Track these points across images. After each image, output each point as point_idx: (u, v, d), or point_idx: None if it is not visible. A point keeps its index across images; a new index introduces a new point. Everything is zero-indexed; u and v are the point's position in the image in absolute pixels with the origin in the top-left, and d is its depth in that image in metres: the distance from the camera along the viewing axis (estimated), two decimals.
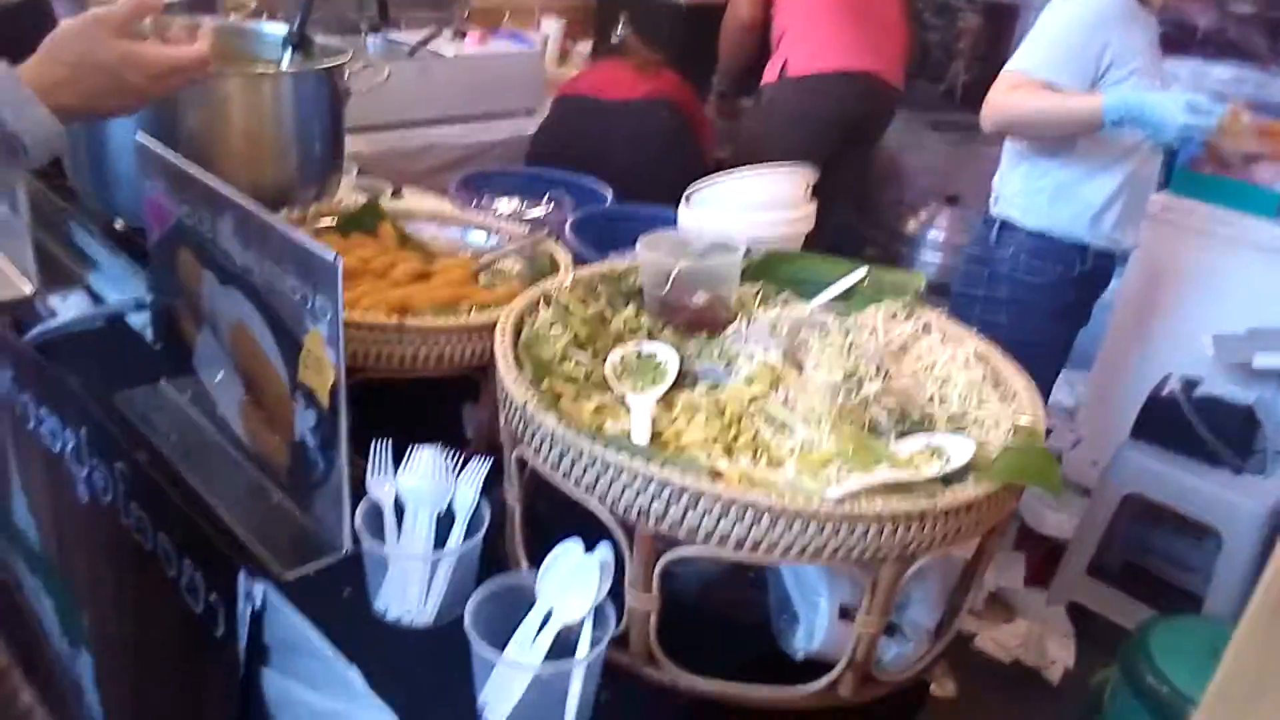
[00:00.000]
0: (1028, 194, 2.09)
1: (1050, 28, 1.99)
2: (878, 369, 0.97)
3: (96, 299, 1.49)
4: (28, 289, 1.51)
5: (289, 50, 1.51)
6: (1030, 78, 1.96)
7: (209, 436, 1.19)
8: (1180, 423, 2.02)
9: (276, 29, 1.58)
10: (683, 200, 1.38)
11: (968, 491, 0.80)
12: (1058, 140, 2.03)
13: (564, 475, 0.84)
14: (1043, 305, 2.10)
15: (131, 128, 1.22)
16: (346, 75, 1.52)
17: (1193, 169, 2.59)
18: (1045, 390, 2.10)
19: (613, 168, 2.05)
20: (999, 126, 2.04)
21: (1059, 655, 1.09)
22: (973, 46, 3.87)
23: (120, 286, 1.45)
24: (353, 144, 1.69)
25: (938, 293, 2.18)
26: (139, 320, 1.40)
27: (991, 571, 1.10)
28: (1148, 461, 2.02)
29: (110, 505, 1.20)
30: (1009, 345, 1.05)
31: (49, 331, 1.37)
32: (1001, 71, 2.02)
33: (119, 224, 1.43)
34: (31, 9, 0.99)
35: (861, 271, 1.15)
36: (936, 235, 3.40)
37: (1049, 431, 0.92)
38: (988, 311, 2.10)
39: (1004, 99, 1.99)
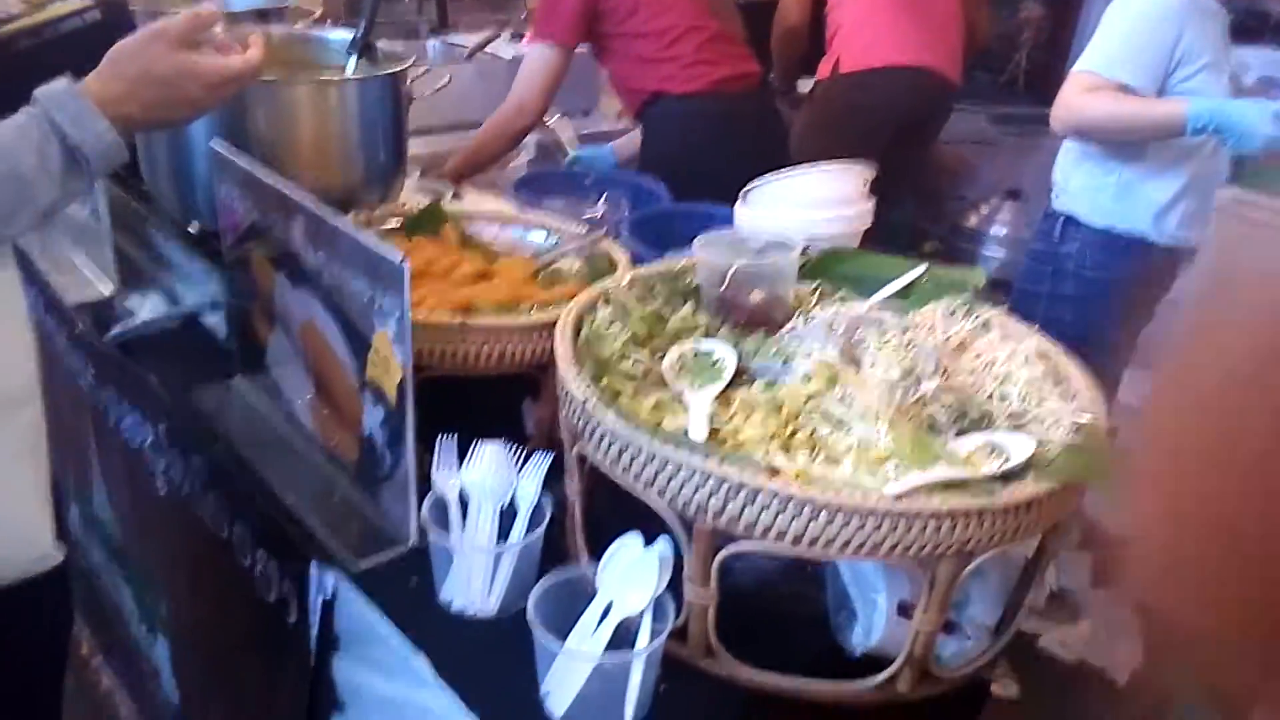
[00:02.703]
0: (1092, 191, 2.05)
1: (1120, 24, 1.95)
2: (936, 366, 0.97)
3: (173, 299, 1.54)
4: (108, 290, 1.58)
5: (354, 56, 1.55)
6: (1103, 78, 1.91)
7: (280, 431, 1.23)
8: None
9: (341, 36, 1.62)
10: (739, 198, 1.39)
11: (1026, 489, 0.80)
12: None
13: (623, 471, 0.85)
14: (1108, 302, 2.07)
15: (207, 134, 1.26)
16: (409, 80, 1.55)
17: (1260, 162, 2.52)
18: (1111, 388, 2.06)
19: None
20: (1073, 130, 2.01)
21: (1126, 657, 1.08)
22: (1035, 37, 3.81)
23: (196, 287, 1.50)
24: (413, 146, 1.73)
25: (1000, 289, 2.16)
26: (213, 320, 1.45)
27: (1056, 571, 1.09)
28: None
29: (187, 497, 1.24)
30: (1073, 342, 1.04)
31: (128, 331, 1.43)
32: (1071, 72, 1.98)
33: (195, 227, 1.48)
34: (110, 27, 1.03)
35: (920, 269, 1.15)
36: (998, 230, 3.35)
37: (1114, 431, 0.91)
38: (1052, 308, 2.07)
39: (1079, 102, 1.94)
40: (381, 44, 1.60)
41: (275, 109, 1.41)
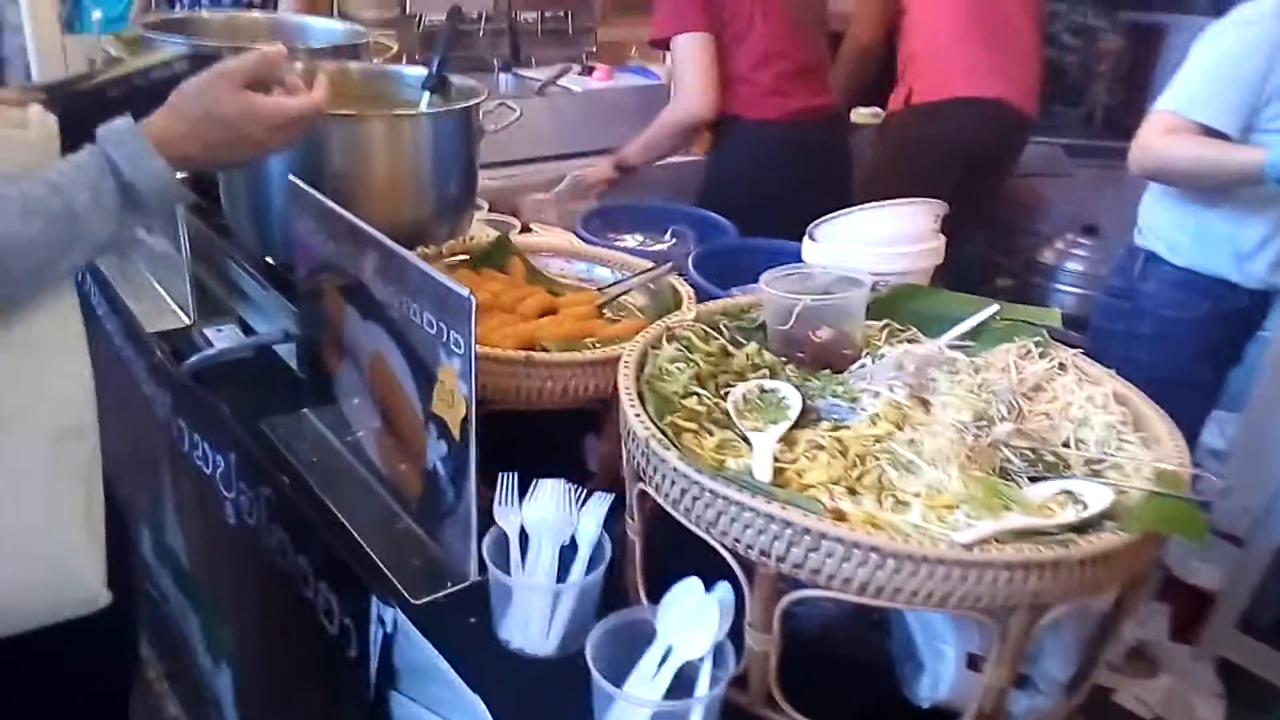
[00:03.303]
0: (1172, 230, 1.98)
1: (1204, 62, 1.86)
2: (1009, 409, 0.95)
3: (248, 330, 1.58)
4: (186, 320, 1.62)
5: (427, 92, 1.58)
6: (1185, 119, 1.83)
7: (347, 463, 1.24)
8: None
9: (416, 71, 1.65)
10: (806, 234, 1.37)
11: (1104, 540, 0.77)
12: None
13: (685, 511, 0.84)
14: (1188, 343, 1.99)
15: (284, 168, 1.29)
16: (480, 114, 1.57)
17: None
18: (1191, 433, 1.98)
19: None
20: (1150, 172, 1.93)
21: (1205, 715, 1.03)
22: (1114, 69, 3.73)
23: (270, 319, 1.53)
24: (484, 180, 1.75)
25: (1075, 327, 2.10)
26: (286, 351, 1.48)
27: (1133, 623, 1.05)
28: None
29: (255, 527, 1.26)
30: (1150, 384, 1.00)
31: (203, 360, 1.46)
32: (1151, 110, 1.90)
33: (270, 260, 1.51)
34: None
35: (992, 308, 1.12)
36: (1074, 267, 3.27)
37: (1196, 478, 0.88)
38: (1128, 347, 2.00)
39: (1157, 144, 1.87)
40: (455, 79, 1.63)
41: (349, 143, 1.44)
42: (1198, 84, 1.85)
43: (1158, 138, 1.86)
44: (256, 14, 2.53)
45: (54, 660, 1.04)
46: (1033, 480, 0.88)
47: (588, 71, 3.16)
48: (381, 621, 1.01)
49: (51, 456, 0.94)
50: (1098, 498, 0.83)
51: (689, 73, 2.27)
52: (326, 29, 2.13)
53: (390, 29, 2.92)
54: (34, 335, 0.93)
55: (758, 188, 2.30)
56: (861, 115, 3.17)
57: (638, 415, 0.90)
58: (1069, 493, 0.85)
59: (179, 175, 1.00)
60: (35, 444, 0.93)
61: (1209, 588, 1.77)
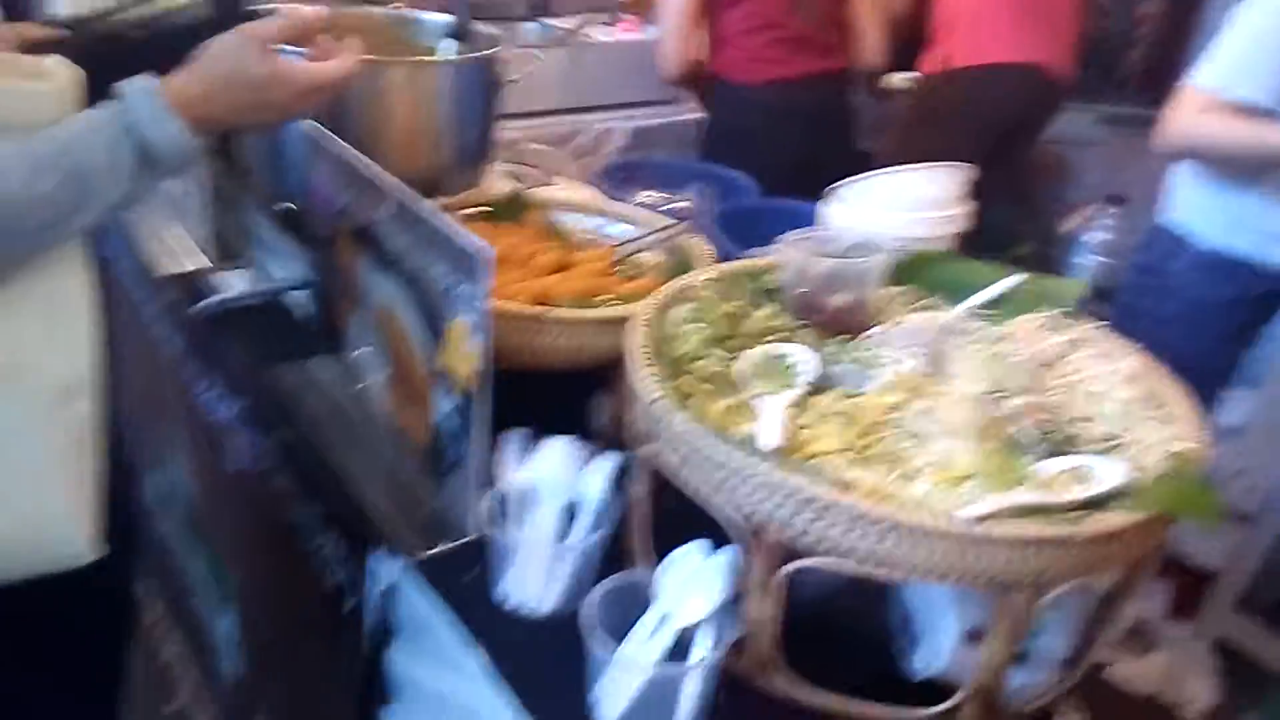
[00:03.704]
0: (1204, 211, 1.91)
1: (1239, 37, 1.77)
2: (1027, 381, 0.93)
3: (265, 276, 1.57)
4: (204, 264, 1.61)
5: (448, 39, 1.55)
6: (1219, 98, 1.75)
7: (355, 413, 1.24)
8: None
9: (439, 18, 1.62)
10: (827, 196, 1.35)
11: (1112, 519, 0.76)
12: None
13: (688, 476, 0.83)
14: (1216, 325, 1.94)
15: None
16: (501, 64, 1.55)
17: None
18: (1209, 410, 1.94)
19: None
20: (1180, 151, 1.87)
21: (1199, 694, 1.02)
22: (1152, 33, 3.63)
23: (286, 265, 1.53)
24: (503, 129, 1.73)
25: (1099, 298, 2.06)
26: (300, 298, 1.47)
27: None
28: None
29: (260, 474, 1.27)
30: (1176, 363, 0.98)
31: (217, 304, 1.46)
32: (1183, 85, 1.82)
33: (287, 206, 1.50)
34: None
35: (1016, 278, 1.10)
36: (1099, 237, 3.21)
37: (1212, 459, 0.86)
38: (1155, 326, 1.95)
39: (1188, 122, 1.79)
40: (478, 27, 1.60)
41: (368, 89, 1.42)
42: (1234, 58, 1.77)
43: (1187, 116, 1.79)
44: None
45: (48, 608, 1.04)
46: (1046, 455, 0.87)
47: (614, 22, 3.11)
48: (380, 574, 1.01)
49: (49, 413, 0.93)
50: (1110, 475, 0.81)
51: (663, 30, 2.37)
52: None
53: None
54: (39, 291, 0.92)
55: (745, 148, 2.30)
56: (897, 80, 3.11)
57: (645, 375, 0.89)
58: (1081, 469, 0.84)
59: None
60: (35, 400, 0.92)
61: (1209, 566, 1.75)
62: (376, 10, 1.74)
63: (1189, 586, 1.61)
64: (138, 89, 0.93)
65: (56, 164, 0.87)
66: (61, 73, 0.93)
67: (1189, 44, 3.37)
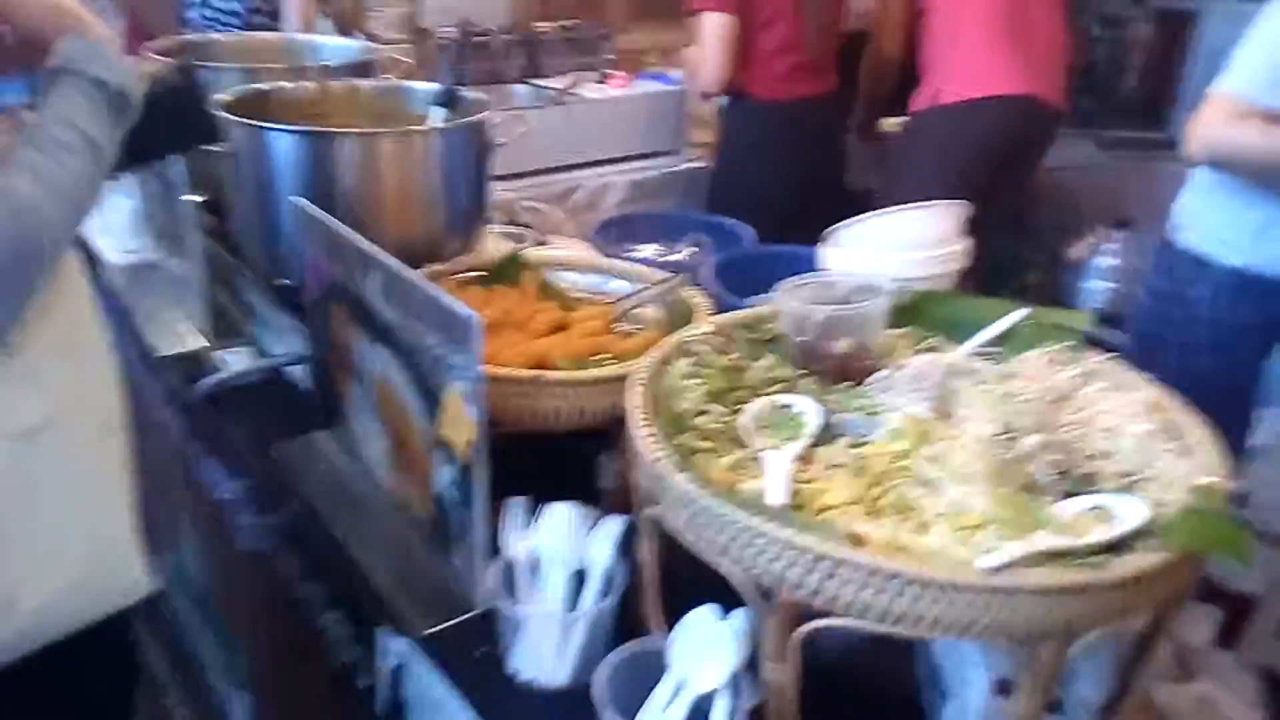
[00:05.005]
0: (1228, 227, 1.85)
1: (1269, 42, 1.72)
2: (1037, 420, 0.90)
3: (263, 353, 1.56)
4: (201, 343, 1.61)
5: (437, 106, 1.56)
6: (1251, 104, 1.70)
7: (358, 488, 1.22)
8: None
9: (427, 87, 1.63)
10: (823, 239, 1.33)
11: (1139, 561, 0.73)
12: None
13: (696, 537, 0.81)
14: (1247, 345, 1.87)
15: (293, 189, 1.28)
16: (494, 125, 1.55)
17: None
18: (1243, 434, 1.88)
19: None
20: (1215, 159, 1.79)
21: None
22: (1144, 59, 3.65)
23: (284, 341, 1.52)
24: (498, 191, 1.73)
25: (1109, 324, 2.02)
26: (299, 373, 1.46)
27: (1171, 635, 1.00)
28: None
29: (267, 554, 1.24)
30: (1207, 389, 0.95)
31: (216, 383, 1.45)
32: (1209, 94, 1.77)
33: (283, 282, 1.50)
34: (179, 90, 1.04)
35: (1021, 313, 1.07)
36: (1107, 262, 3.19)
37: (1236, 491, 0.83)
38: (1187, 355, 1.90)
39: (1219, 130, 1.73)
40: (465, 93, 1.61)
41: (359, 159, 1.42)
42: (1264, 65, 1.71)
43: (1220, 124, 1.73)
44: (269, 34, 2.54)
45: (60, 671, 1.04)
46: (1063, 496, 0.84)
47: (604, 79, 3.14)
48: (390, 651, 0.98)
49: (96, 448, 0.99)
50: (1131, 514, 0.79)
51: (708, 51, 2.58)
52: (338, 47, 2.12)
53: (406, 44, 2.92)
54: (65, 338, 0.96)
55: (764, 156, 2.68)
56: (890, 124, 3.13)
57: (645, 435, 0.87)
58: (1100, 509, 0.81)
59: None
60: (84, 437, 0.97)
61: (1251, 592, 1.70)
62: (365, 83, 1.75)
63: (1232, 614, 1.55)
64: (80, 49, 0.94)
65: (73, 143, 0.90)
66: None
67: (1182, 66, 3.38)
